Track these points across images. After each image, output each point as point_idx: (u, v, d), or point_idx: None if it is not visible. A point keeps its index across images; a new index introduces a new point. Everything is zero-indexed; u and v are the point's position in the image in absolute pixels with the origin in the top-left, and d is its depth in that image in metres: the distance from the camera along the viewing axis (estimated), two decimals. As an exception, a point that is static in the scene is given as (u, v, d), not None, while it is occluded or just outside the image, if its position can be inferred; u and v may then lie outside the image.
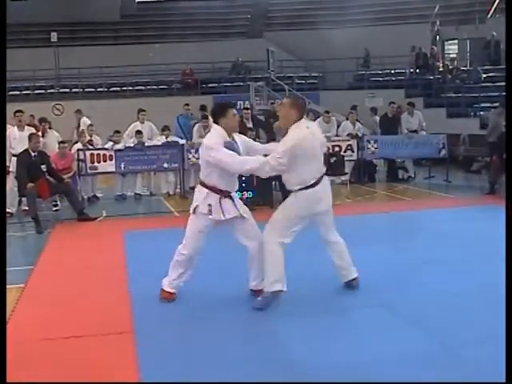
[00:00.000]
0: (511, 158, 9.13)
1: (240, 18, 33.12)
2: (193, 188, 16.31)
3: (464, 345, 5.51)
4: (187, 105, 17.82)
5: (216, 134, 6.75)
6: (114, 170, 15.15)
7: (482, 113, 21.69)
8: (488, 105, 21.90)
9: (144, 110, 16.51)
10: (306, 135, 6.58)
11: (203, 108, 17.45)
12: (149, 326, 6.18)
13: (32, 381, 5.03)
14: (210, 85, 27.66)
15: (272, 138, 11.69)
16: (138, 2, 34.38)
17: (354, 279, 7.14)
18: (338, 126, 17.78)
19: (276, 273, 6.62)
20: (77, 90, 27.17)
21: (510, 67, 8.90)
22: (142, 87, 27.49)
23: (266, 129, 14.95)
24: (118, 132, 15.87)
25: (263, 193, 13.07)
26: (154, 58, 26.97)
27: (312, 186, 6.61)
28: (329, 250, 7.07)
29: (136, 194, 15.88)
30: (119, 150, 15.11)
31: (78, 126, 16.87)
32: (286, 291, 6.65)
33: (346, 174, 16.61)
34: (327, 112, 18.11)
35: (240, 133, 7.35)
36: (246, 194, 12.67)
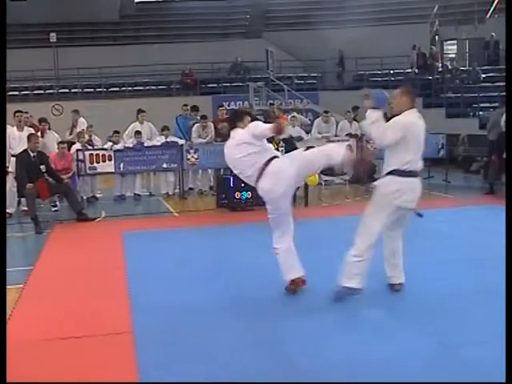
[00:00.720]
0: (511, 157, 9.14)
1: (239, 19, 33.10)
2: (192, 188, 16.42)
3: (464, 345, 5.50)
4: (186, 105, 17.80)
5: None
6: (113, 170, 15.15)
7: (481, 113, 21.71)
8: (487, 105, 21.91)
9: (143, 111, 16.50)
10: (417, 122, 6.77)
11: (194, 108, 17.43)
12: (148, 327, 6.16)
13: (32, 381, 5.03)
14: (209, 85, 27.67)
15: (271, 138, 11.67)
16: (137, 3, 34.34)
17: (398, 284, 7.19)
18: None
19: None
20: (76, 90, 27.17)
21: (510, 67, 8.91)
22: (142, 87, 27.49)
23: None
24: (117, 132, 15.86)
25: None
26: (153, 58, 26.95)
27: (408, 175, 6.67)
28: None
29: (135, 194, 15.89)
30: (118, 151, 15.10)
31: (73, 126, 16.81)
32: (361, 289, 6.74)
33: (346, 173, 16.61)
34: (326, 112, 18.13)
35: None
36: (245, 195, 12.68)
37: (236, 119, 7.34)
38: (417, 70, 27.21)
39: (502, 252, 6.23)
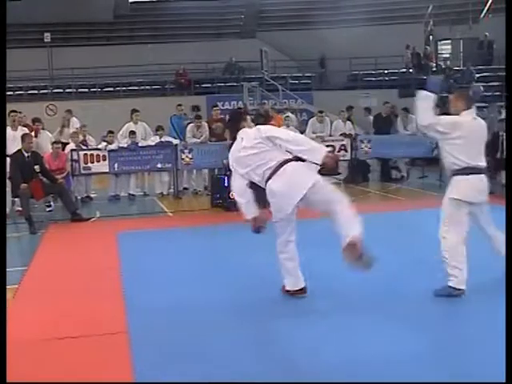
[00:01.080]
0: (511, 157, 9.15)
1: (233, 19, 33.11)
2: (186, 188, 16.42)
3: (463, 345, 5.50)
4: (180, 105, 17.81)
5: None
6: (107, 170, 15.14)
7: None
8: (481, 104, 21.91)
9: (137, 111, 16.49)
10: (469, 121, 7.00)
11: (196, 108, 17.45)
12: (143, 326, 6.15)
13: (29, 381, 5.02)
14: (203, 85, 27.67)
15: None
16: (131, 3, 34.33)
17: None
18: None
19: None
20: (70, 90, 27.14)
21: (510, 67, 8.94)
22: (136, 87, 27.49)
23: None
24: (111, 132, 15.86)
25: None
26: (147, 58, 26.94)
27: (470, 172, 6.91)
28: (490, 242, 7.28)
29: (130, 194, 15.87)
30: (113, 151, 15.11)
31: (63, 126, 16.76)
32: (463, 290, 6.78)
33: (340, 173, 16.66)
34: (321, 112, 18.15)
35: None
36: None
37: (239, 120, 7.26)
38: (411, 70, 27.26)
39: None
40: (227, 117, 8.30)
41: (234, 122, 7.34)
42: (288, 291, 6.98)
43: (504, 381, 4.21)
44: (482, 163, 7.02)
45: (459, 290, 6.78)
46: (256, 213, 6.82)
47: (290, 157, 6.67)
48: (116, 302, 6.98)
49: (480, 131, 7.10)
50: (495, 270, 7.05)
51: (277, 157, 6.67)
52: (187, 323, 6.25)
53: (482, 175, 7.01)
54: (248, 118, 7.35)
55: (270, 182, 6.67)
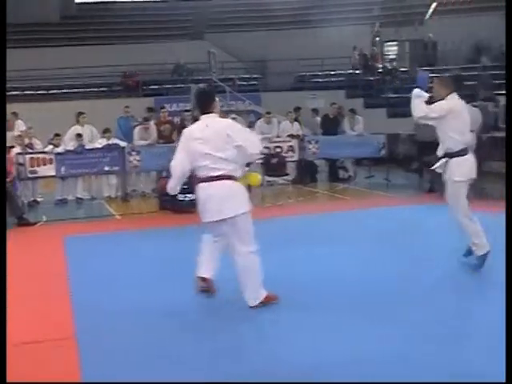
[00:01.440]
0: (511, 158, 9.33)
1: (181, 20, 33.00)
2: (134, 190, 16.31)
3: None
4: (127, 107, 17.71)
5: None
6: (54, 173, 14.95)
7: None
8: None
9: (83, 113, 16.33)
10: (458, 104, 7.69)
11: (151, 110, 17.38)
12: (91, 331, 6.11)
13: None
14: (151, 87, 27.52)
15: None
16: (78, 3, 33.92)
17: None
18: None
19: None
20: (16, 92, 26.72)
21: (510, 67, 9.12)
22: (83, 89, 27.18)
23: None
24: (58, 135, 15.69)
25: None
26: (94, 59, 26.68)
27: (466, 153, 7.60)
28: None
29: (77, 197, 15.72)
30: (59, 154, 14.94)
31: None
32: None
33: (288, 174, 16.76)
34: (268, 113, 18.22)
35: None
36: (188, 197, 12.57)
37: (210, 101, 6.66)
38: (358, 71, 27.51)
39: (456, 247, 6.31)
40: (195, 96, 7.75)
41: (206, 103, 6.67)
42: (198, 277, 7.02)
43: (504, 381, 4.17)
44: (471, 142, 7.84)
45: (485, 254, 7.58)
46: (175, 190, 7.26)
47: (232, 173, 6.48)
48: (63, 308, 6.92)
49: (466, 111, 7.75)
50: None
51: (225, 168, 6.43)
52: (137, 327, 6.23)
53: (471, 154, 7.68)
54: (217, 99, 6.83)
55: (203, 185, 6.58)
